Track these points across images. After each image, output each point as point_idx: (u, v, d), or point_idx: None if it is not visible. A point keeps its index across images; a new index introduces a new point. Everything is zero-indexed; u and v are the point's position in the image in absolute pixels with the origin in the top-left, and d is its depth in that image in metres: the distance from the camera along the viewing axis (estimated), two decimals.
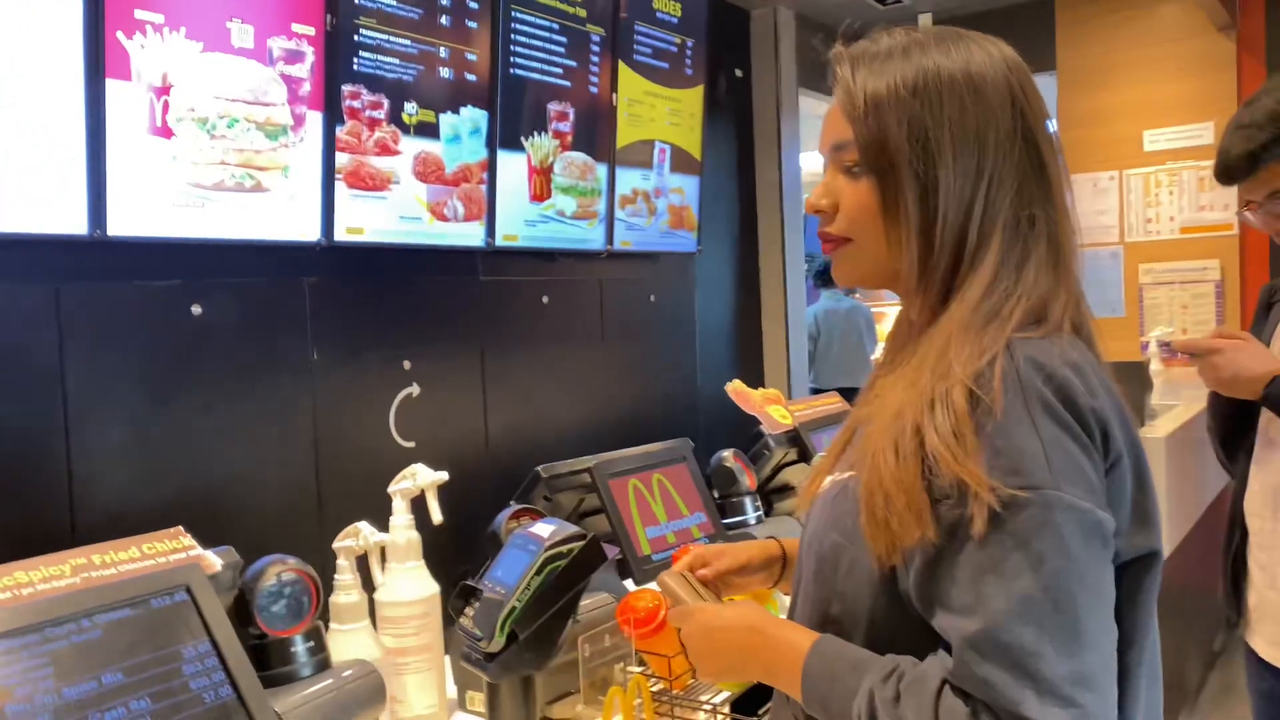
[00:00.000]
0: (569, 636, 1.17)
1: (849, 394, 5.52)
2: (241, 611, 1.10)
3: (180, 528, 1.00)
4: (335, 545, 1.25)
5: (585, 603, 1.22)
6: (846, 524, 0.90)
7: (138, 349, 2.13)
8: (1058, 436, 0.80)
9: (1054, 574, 0.77)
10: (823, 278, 6.00)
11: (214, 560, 0.99)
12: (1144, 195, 4.05)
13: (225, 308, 2.28)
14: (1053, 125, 0.99)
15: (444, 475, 1.31)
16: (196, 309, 2.23)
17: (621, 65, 3.16)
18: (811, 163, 7.46)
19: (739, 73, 4.08)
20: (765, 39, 4.14)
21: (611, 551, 1.16)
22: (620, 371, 3.33)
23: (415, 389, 2.69)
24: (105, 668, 0.84)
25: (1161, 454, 2.38)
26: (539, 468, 1.48)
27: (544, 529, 1.13)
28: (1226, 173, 1.86)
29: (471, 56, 2.68)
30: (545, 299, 3.06)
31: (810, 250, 6.55)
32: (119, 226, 2.00)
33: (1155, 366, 3.34)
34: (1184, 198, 4.00)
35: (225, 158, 2.16)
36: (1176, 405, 3.15)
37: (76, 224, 1.94)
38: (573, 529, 1.15)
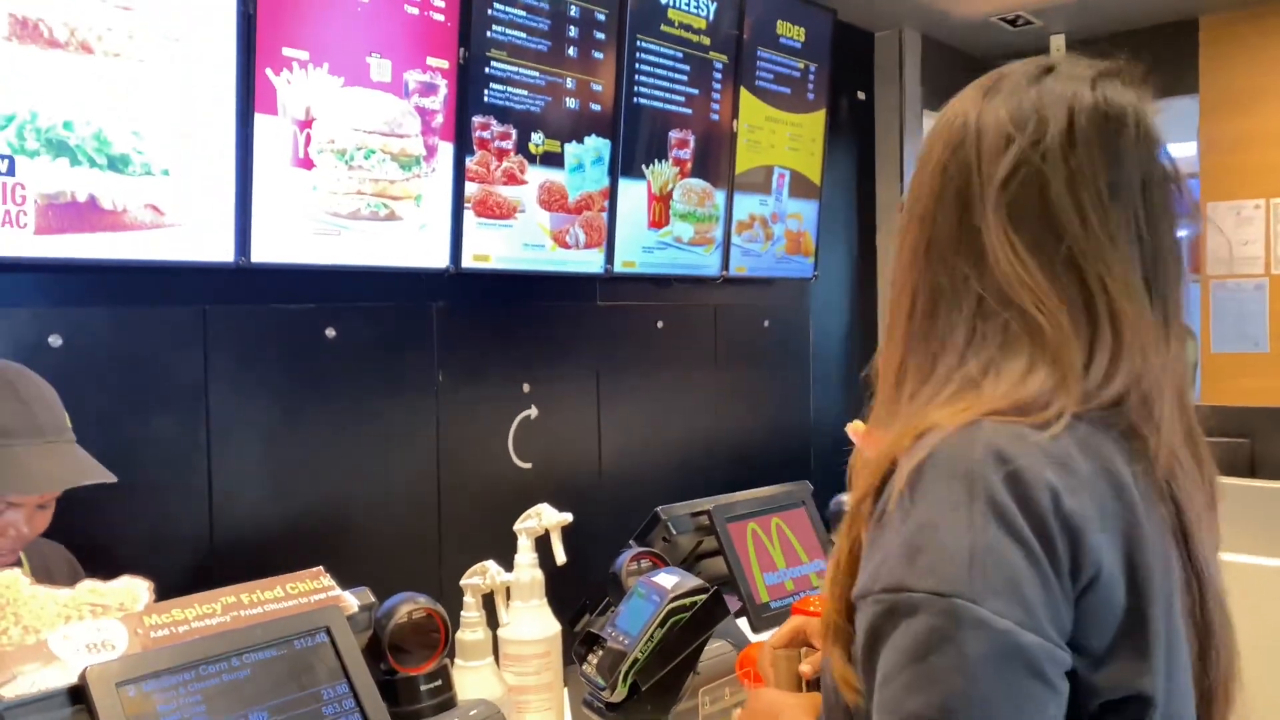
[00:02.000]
0: (690, 688, 1.17)
1: None
2: (373, 649, 1.13)
3: (321, 568, 1.04)
4: (463, 583, 1.28)
5: (705, 650, 1.22)
6: None
7: (274, 369, 2.23)
8: (995, 540, 0.68)
9: (952, 698, 0.66)
10: None
11: (351, 601, 1.03)
12: None
13: (357, 331, 2.37)
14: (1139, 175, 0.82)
15: (568, 516, 1.33)
16: (330, 332, 2.32)
17: (743, 91, 3.16)
18: None
19: (861, 95, 4.03)
20: (890, 61, 4.08)
21: (733, 604, 1.16)
22: (733, 397, 3.32)
23: (534, 411, 2.74)
24: (252, 706, 0.89)
25: None
26: (659, 509, 1.49)
27: (668, 580, 1.14)
28: None
29: (597, 87, 2.72)
30: (660, 324, 3.08)
31: None
32: (262, 253, 2.09)
33: None
34: None
35: (362, 187, 2.25)
36: None
37: (225, 252, 2.03)
38: (696, 581, 1.15)
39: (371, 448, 2.39)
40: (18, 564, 1.37)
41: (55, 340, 1.89)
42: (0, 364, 1.43)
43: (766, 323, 3.49)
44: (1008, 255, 0.79)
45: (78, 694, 0.82)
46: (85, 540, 1.64)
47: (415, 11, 2.30)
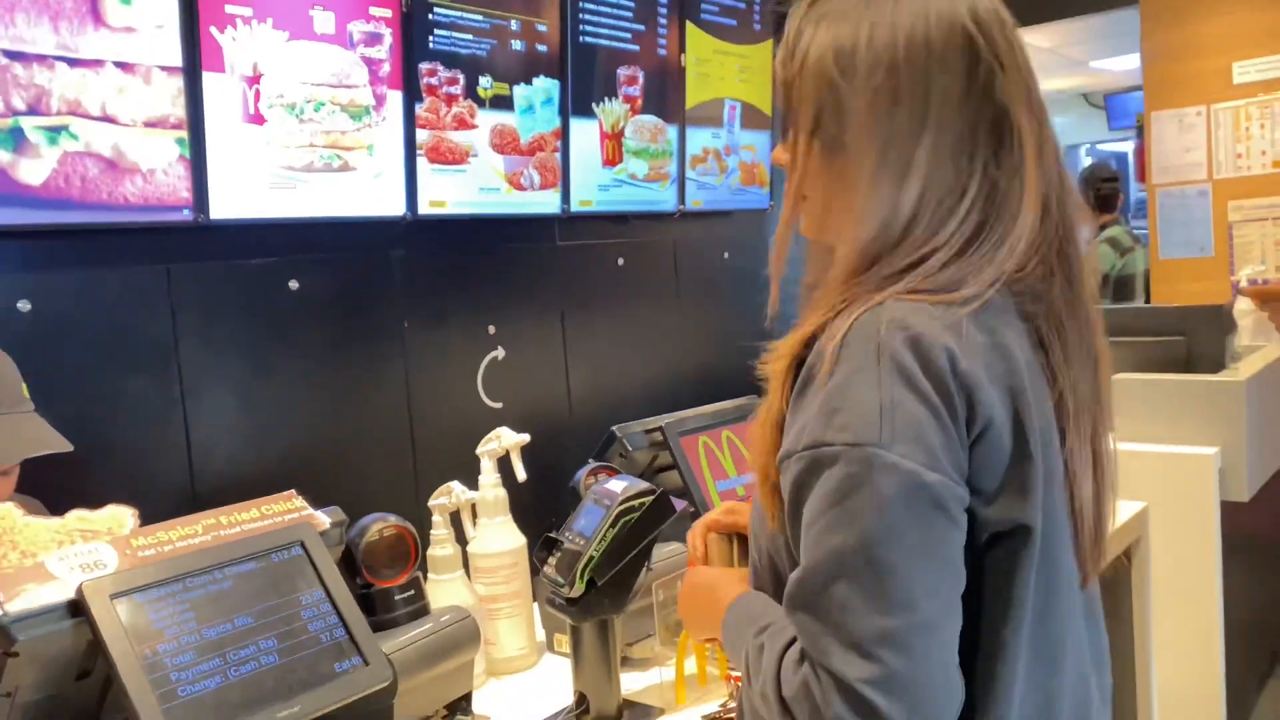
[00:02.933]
0: (645, 583, 1.26)
1: None
2: (349, 564, 1.22)
3: (294, 491, 1.12)
4: (430, 503, 1.37)
5: (659, 552, 1.32)
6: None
7: (241, 322, 2.29)
8: (901, 397, 0.77)
9: (868, 531, 0.76)
10: None
11: (323, 519, 1.11)
12: (1233, 130, 3.93)
13: (320, 281, 2.42)
14: (1039, 88, 0.90)
15: (526, 437, 1.42)
16: (294, 284, 2.38)
17: (689, 25, 3.19)
18: None
19: None
20: None
21: (680, 505, 1.24)
22: (695, 329, 3.40)
23: (500, 352, 2.81)
24: (237, 613, 0.97)
25: (1241, 398, 2.37)
26: (614, 427, 1.57)
27: (617, 485, 1.22)
28: None
29: (542, 27, 2.75)
30: (620, 261, 3.15)
31: None
32: (220, 210, 2.14)
33: (1242, 306, 3.27)
34: (1276, 130, 3.86)
35: (314, 140, 2.29)
36: (1265, 346, 3.09)
37: (182, 210, 2.08)
38: (643, 485, 1.24)
39: (342, 394, 2.46)
40: None
41: (24, 305, 1.94)
42: None
43: (726, 254, 3.56)
44: (1026, 155, 0.85)
45: (76, 607, 0.90)
46: (70, 499, 1.71)
47: None
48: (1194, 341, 2.54)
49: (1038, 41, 4.97)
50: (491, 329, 2.79)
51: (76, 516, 0.99)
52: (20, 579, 0.88)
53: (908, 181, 0.85)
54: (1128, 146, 7.07)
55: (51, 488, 1.61)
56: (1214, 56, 3.98)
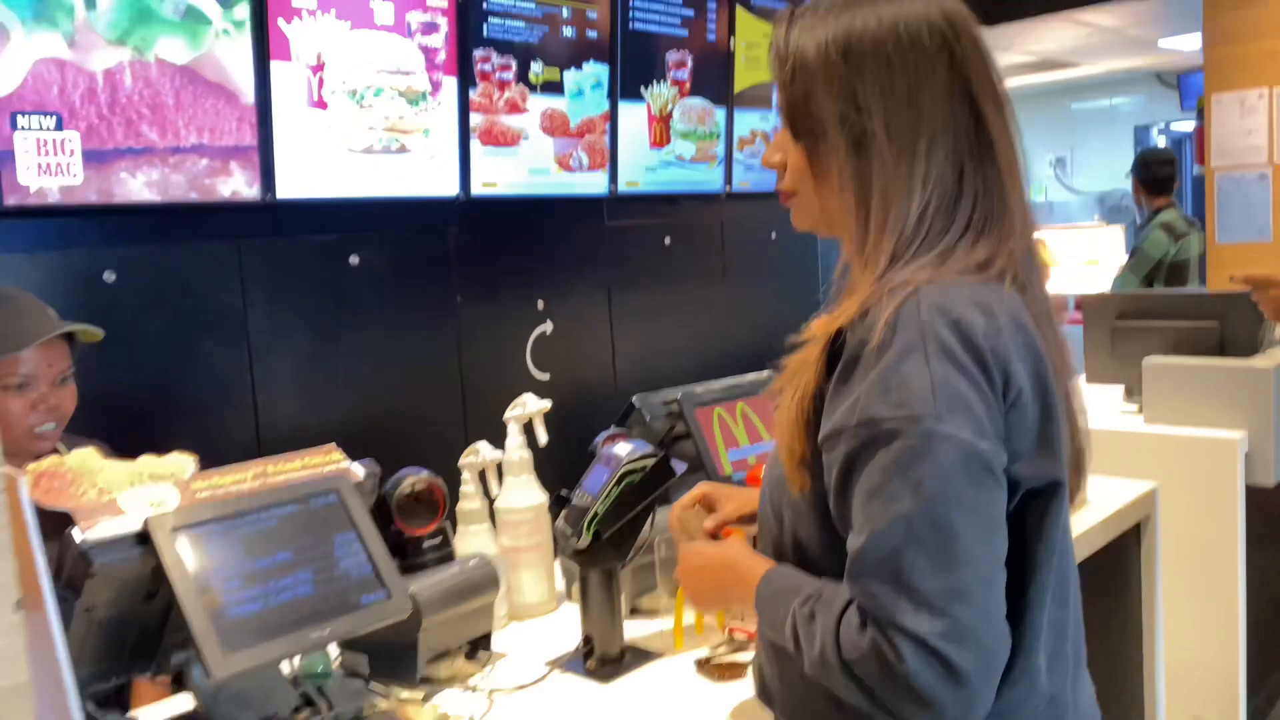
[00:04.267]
0: (648, 539, 1.39)
1: None
2: (383, 513, 1.37)
3: (334, 444, 1.27)
4: (460, 462, 1.51)
5: (665, 511, 1.43)
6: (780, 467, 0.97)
7: (305, 294, 2.46)
8: (948, 374, 0.85)
9: (931, 497, 0.82)
10: None
11: (358, 470, 1.25)
12: None
13: (378, 257, 2.58)
14: (1000, 81, 0.97)
15: (547, 404, 1.55)
16: (354, 259, 2.54)
17: (739, 9, 3.27)
18: None
19: None
20: None
21: (680, 467, 1.36)
22: (741, 307, 3.50)
23: (549, 326, 2.95)
24: (279, 548, 1.12)
25: (1270, 384, 2.39)
26: (634, 397, 1.69)
27: (623, 448, 1.35)
28: None
29: (592, 15, 2.86)
30: (667, 240, 3.26)
31: None
32: (286, 190, 2.30)
33: None
34: None
35: (373, 124, 2.44)
36: None
37: (251, 190, 2.25)
38: (648, 448, 1.36)
39: (398, 363, 2.63)
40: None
41: (109, 276, 2.13)
42: None
43: (774, 234, 3.64)
44: (1006, 144, 0.95)
45: (142, 538, 1.05)
46: (148, 449, 1.89)
47: None
48: (1227, 327, 2.57)
49: (1102, 21, 4.91)
50: (540, 304, 2.93)
51: (146, 461, 1.15)
52: (97, 512, 1.04)
53: (925, 173, 0.92)
54: None
55: (133, 439, 1.79)
56: (1277, 37, 3.91)
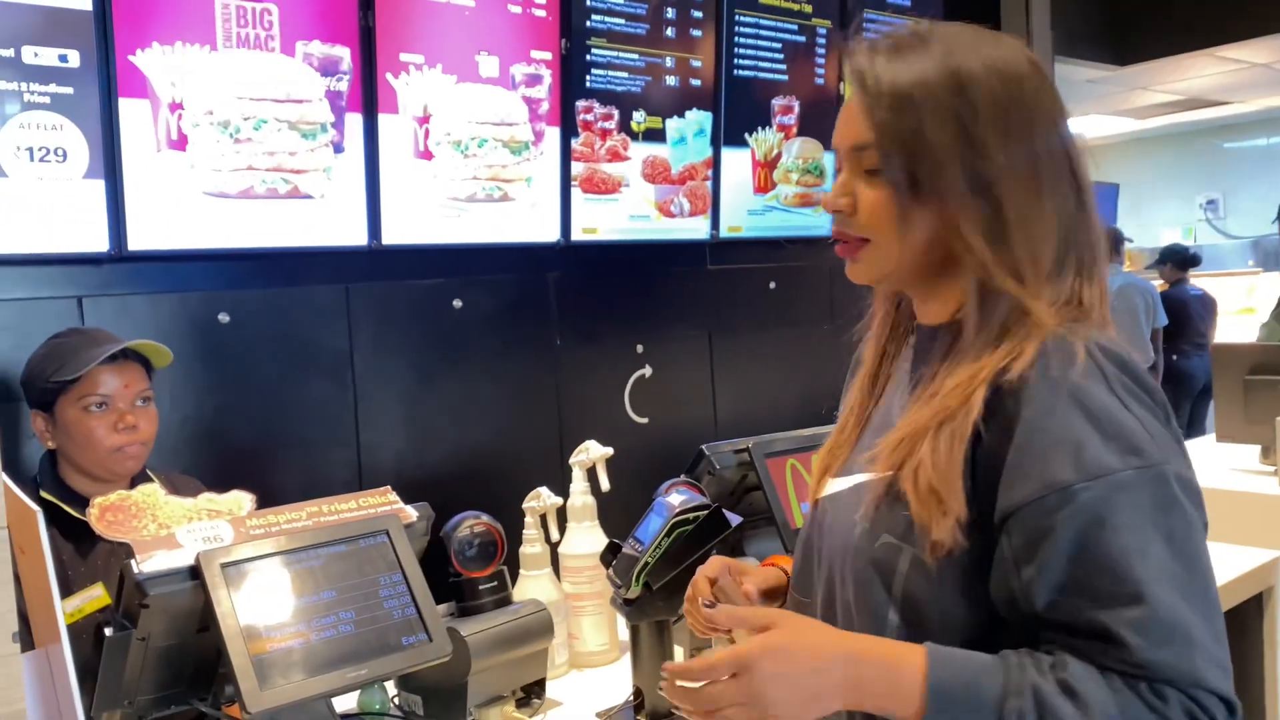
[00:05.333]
0: None
1: None
2: (441, 555, 1.39)
3: (389, 487, 1.30)
4: (524, 506, 1.53)
5: None
6: (898, 523, 0.87)
7: (409, 337, 2.55)
8: (1145, 414, 0.83)
9: (1185, 545, 0.80)
10: None
11: (411, 512, 1.28)
12: None
13: (481, 301, 2.65)
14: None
15: (609, 450, 1.55)
16: (457, 303, 2.62)
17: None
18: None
19: None
20: (1016, 8, 4.02)
21: (734, 519, 1.34)
22: (850, 353, 3.42)
23: (648, 370, 2.96)
24: (324, 587, 1.15)
25: None
26: (703, 446, 1.68)
27: (676, 498, 1.33)
28: None
29: (696, 63, 2.89)
30: (772, 285, 3.23)
31: None
32: (392, 236, 2.40)
33: None
34: None
35: (477, 173, 2.52)
36: None
37: (359, 236, 2.35)
38: (701, 500, 1.34)
39: (498, 405, 2.68)
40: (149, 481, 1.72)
41: (224, 317, 2.26)
42: None
43: None
44: (1090, 183, 0.93)
45: (194, 571, 1.10)
46: (252, 486, 1.99)
47: (518, 10, 2.54)
48: None
49: (1250, 56, 4.66)
50: (640, 348, 2.94)
51: (206, 498, 1.21)
52: (154, 545, 1.10)
53: (1054, 210, 0.91)
54: None
55: (241, 475, 1.88)
56: None
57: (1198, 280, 5.79)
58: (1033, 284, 0.89)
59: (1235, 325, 5.66)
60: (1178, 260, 5.67)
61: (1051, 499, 0.80)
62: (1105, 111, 6.44)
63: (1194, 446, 3.36)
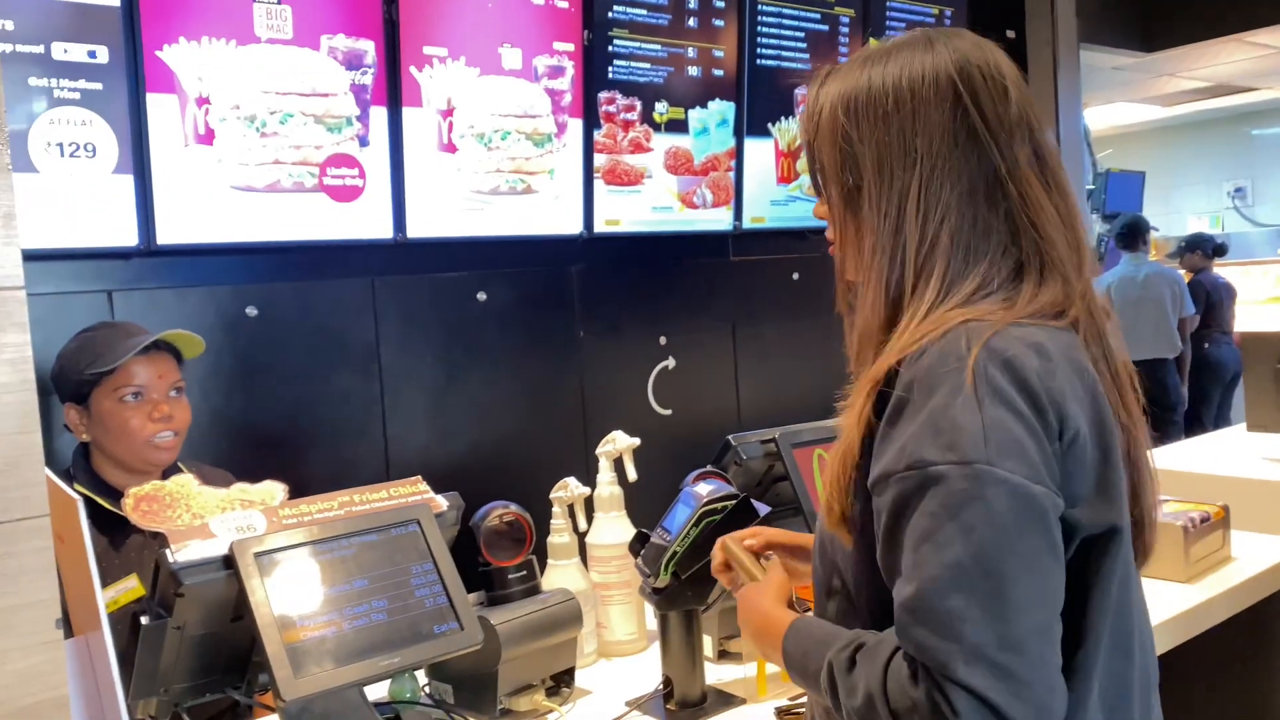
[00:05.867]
0: None
1: (1149, 366, 5.08)
2: (470, 544, 1.40)
3: (419, 477, 1.31)
4: (551, 496, 1.53)
5: None
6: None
7: (434, 329, 2.56)
8: (1001, 417, 0.83)
9: (982, 543, 0.80)
10: (1124, 239, 5.62)
11: (441, 502, 1.29)
12: None
13: (504, 293, 2.66)
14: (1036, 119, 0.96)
15: (637, 441, 1.55)
16: (481, 295, 2.63)
17: (873, 43, 3.22)
18: (1097, 120, 6.86)
19: (1011, 34, 3.96)
20: None
21: (763, 509, 1.34)
22: None
23: (671, 362, 2.96)
24: (356, 576, 1.16)
25: None
26: (730, 436, 1.68)
27: (704, 488, 1.33)
28: None
29: (719, 53, 2.88)
30: (795, 275, 3.22)
31: (1113, 209, 6.14)
32: (416, 230, 2.41)
33: None
34: None
35: (500, 166, 2.52)
36: None
37: (384, 230, 2.36)
38: (729, 489, 1.34)
39: (522, 396, 2.69)
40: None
41: (252, 311, 2.27)
42: None
43: None
44: (1036, 191, 0.94)
45: (228, 560, 1.11)
46: (281, 478, 2.00)
47: (541, 2, 2.54)
48: None
49: (1276, 42, 4.60)
50: (663, 339, 2.94)
51: (239, 488, 1.22)
52: (188, 535, 1.11)
53: (928, 211, 0.93)
54: None
55: (270, 467, 1.89)
56: None
57: (1221, 269, 5.73)
58: (922, 290, 0.93)
59: (1264, 314, 5.58)
60: (1208, 249, 5.60)
61: (880, 484, 0.87)
62: (1132, 99, 6.38)
63: (1224, 436, 3.33)
